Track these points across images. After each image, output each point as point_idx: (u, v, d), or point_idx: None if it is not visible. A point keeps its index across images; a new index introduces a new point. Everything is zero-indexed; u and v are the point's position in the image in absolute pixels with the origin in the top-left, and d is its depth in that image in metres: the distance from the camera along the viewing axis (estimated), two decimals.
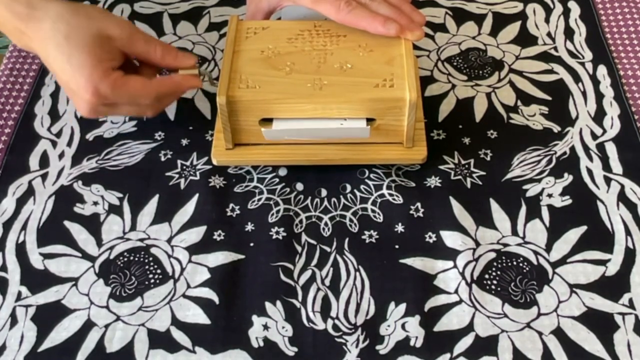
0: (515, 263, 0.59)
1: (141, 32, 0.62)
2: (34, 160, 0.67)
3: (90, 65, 0.57)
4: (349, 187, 0.64)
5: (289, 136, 0.61)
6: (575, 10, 0.79)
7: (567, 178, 0.64)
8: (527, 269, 0.58)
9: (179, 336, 0.55)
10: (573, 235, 0.60)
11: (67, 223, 0.62)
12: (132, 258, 0.60)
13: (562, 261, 0.59)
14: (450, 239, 0.60)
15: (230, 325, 0.56)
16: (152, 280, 0.59)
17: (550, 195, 0.63)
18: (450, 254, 0.59)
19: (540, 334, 0.55)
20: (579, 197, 0.63)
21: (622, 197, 0.63)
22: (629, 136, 0.67)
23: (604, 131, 0.68)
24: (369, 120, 0.60)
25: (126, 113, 0.65)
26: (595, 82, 0.72)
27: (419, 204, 0.62)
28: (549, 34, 0.77)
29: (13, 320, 0.57)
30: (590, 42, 0.76)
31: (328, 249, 0.60)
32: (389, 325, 0.56)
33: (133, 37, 0.60)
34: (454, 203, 0.62)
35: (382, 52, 0.61)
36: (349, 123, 0.59)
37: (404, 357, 0.54)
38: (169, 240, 0.61)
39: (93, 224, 0.62)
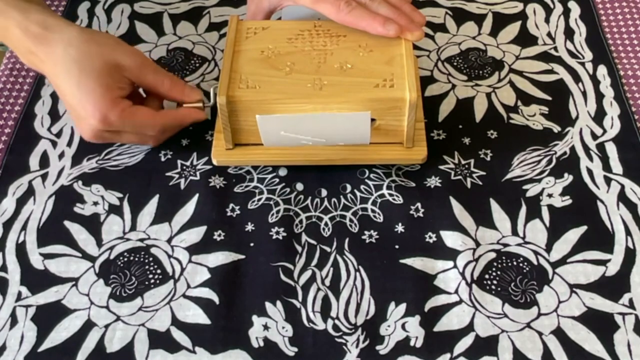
0: (515, 263, 0.59)
1: (151, 63, 0.63)
2: (34, 160, 0.67)
3: (99, 92, 0.58)
4: (349, 187, 0.64)
5: (286, 130, 0.59)
6: (575, 10, 0.79)
7: (567, 178, 0.64)
8: (527, 269, 0.58)
9: (179, 336, 0.56)
10: (573, 235, 0.60)
11: (67, 223, 0.62)
12: (132, 258, 0.60)
13: (562, 261, 0.59)
14: (451, 239, 0.60)
15: (230, 325, 0.56)
16: (152, 281, 0.59)
17: (550, 195, 0.63)
18: (451, 254, 0.59)
19: (540, 334, 0.55)
20: (579, 197, 0.63)
21: (622, 197, 0.63)
22: (629, 136, 0.67)
23: (604, 131, 0.68)
24: (370, 120, 0.60)
25: (128, 141, 0.66)
26: (595, 82, 0.72)
27: (419, 204, 0.62)
28: (549, 34, 0.77)
29: (13, 320, 0.57)
30: (590, 42, 0.76)
31: (328, 249, 0.60)
32: (389, 326, 0.56)
33: (143, 68, 0.61)
34: (454, 203, 0.62)
35: (382, 52, 0.61)
36: (350, 115, 0.58)
37: (404, 357, 0.54)
38: (169, 240, 0.61)
39: (93, 224, 0.62)
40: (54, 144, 0.68)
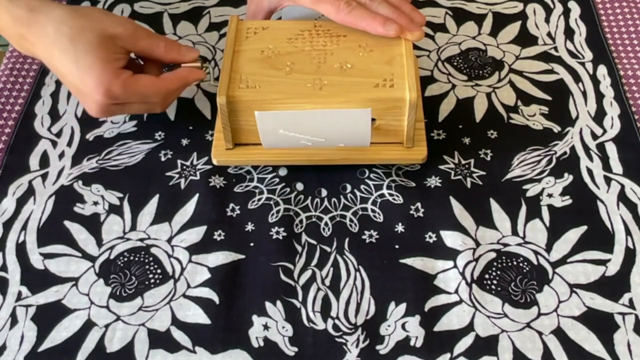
0: (515, 263, 0.59)
1: (143, 29, 0.62)
2: (34, 160, 0.67)
3: (99, 66, 0.58)
4: (349, 187, 0.64)
5: (285, 128, 0.59)
6: (575, 10, 0.79)
7: (567, 178, 0.64)
8: (527, 269, 0.58)
9: (179, 336, 0.56)
10: (573, 235, 0.60)
11: (67, 223, 0.62)
12: (132, 258, 0.60)
13: (562, 261, 0.59)
14: (451, 239, 0.60)
15: (230, 325, 0.56)
16: (152, 280, 0.59)
17: (550, 195, 0.63)
18: (451, 254, 0.59)
19: (540, 334, 0.55)
20: (579, 197, 0.63)
21: (622, 197, 0.63)
22: (629, 136, 0.67)
23: (604, 131, 0.68)
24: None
25: (136, 111, 0.65)
26: (595, 82, 0.72)
27: (419, 204, 0.62)
28: (549, 34, 0.77)
29: (13, 320, 0.57)
30: (590, 42, 0.76)
31: (328, 249, 0.60)
32: (389, 325, 0.56)
33: (136, 34, 0.61)
34: (454, 203, 0.62)
35: (382, 52, 0.61)
36: (351, 111, 0.58)
37: (404, 357, 0.54)
38: (169, 240, 0.61)
39: (93, 224, 0.62)
40: (54, 143, 0.68)
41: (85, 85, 0.58)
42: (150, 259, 0.60)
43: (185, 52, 0.63)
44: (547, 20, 0.78)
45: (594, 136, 0.67)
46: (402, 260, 0.59)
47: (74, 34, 0.58)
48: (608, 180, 0.64)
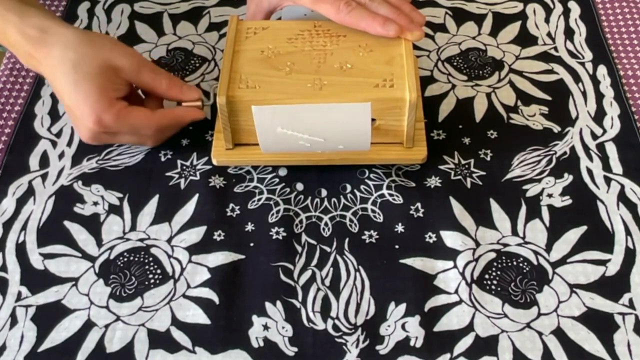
0: (515, 263, 0.59)
1: (149, 64, 0.63)
2: (34, 160, 0.67)
3: (95, 94, 0.59)
4: (349, 187, 0.64)
5: (283, 126, 0.58)
6: (575, 10, 0.79)
7: (567, 178, 0.64)
8: (527, 269, 0.58)
9: (179, 336, 0.56)
10: (573, 235, 0.60)
11: (67, 223, 0.62)
12: (132, 258, 0.60)
13: (562, 261, 0.59)
14: (450, 239, 0.60)
15: (230, 325, 0.56)
16: (152, 281, 0.59)
17: (550, 195, 0.63)
18: (450, 254, 0.59)
19: (540, 334, 0.55)
20: (579, 197, 0.63)
21: (622, 197, 0.63)
22: (629, 136, 0.67)
23: (604, 131, 0.68)
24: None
25: (127, 142, 0.66)
26: (595, 82, 0.72)
27: (419, 204, 0.62)
28: (549, 34, 0.77)
29: (13, 320, 0.57)
30: (590, 42, 0.76)
31: (328, 249, 0.60)
32: (389, 326, 0.56)
33: (140, 69, 0.62)
34: (454, 203, 0.62)
35: (382, 52, 0.61)
36: (350, 105, 0.56)
37: (404, 357, 0.54)
38: (169, 240, 0.61)
39: (93, 224, 0.62)
40: (54, 144, 0.68)
41: (79, 111, 0.59)
42: (150, 259, 0.60)
43: (187, 91, 0.64)
44: (547, 20, 0.78)
45: (594, 136, 0.67)
46: (402, 261, 0.59)
47: (78, 60, 0.59)
48: (608, 181, 0.64)
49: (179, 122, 0.65)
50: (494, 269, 0.58)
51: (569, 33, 0.77)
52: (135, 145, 0.67)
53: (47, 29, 0.60)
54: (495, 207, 0.62)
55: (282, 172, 0.65)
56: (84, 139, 0.62)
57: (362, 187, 0.64)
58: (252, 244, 0.60)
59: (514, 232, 0.61)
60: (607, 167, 0.65)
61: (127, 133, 0.62)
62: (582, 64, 0.74)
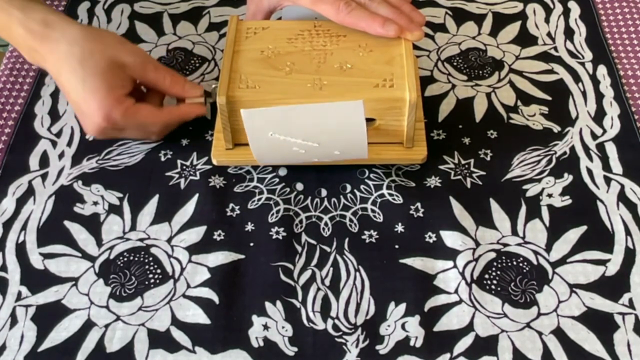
0: (515, 263, 0.59)
1: (153, 61, 0.64)
2: (34, 160, 0.67)
3: (103, 90, 0.59)
4: (349, 187, 0.64)
5: (275, 130, 0.56)
6: (575, 10, 0.79)
7: (567, 178, 0.64)
8: (527, 269, 0.58)
9: (179, 336, 0.56)
10: (573, 235, 0.60)
11: (67, 223, 0.62)
12: (132, 258, 0.60)
13: (562, 261, 0.59)
14: (450, 239, 0.60)
15: (230, 325, 0.56)
16: (152, 280, 0.59)
17: (550, 195, 0.63)
18: (450, 254, 0.59)
19: (540, 334, 0.55)
20: (579, 197, 0.63)
21: (622, 197, 0.63)
22: (629, 136, 0.67)
23: (604, 131, 0.68)
24: (369, 121, 0.60)
25: (132, 137, 0.67)
26: (595, 82, 0.72)
27: (419, 204, 0.62)
28: (549, 34, 0.77)
29: (13, 320, 0.57)
30: (590, 42, 0.76)
31: (328, 249, 0.60)
32: (389, 325, 0.56)
33: (145, 66, 0.62)
34: (454, 203, 0.62)
35: (382, 52, 0.61)
36: (342, 104, 0.55)
37: (404, 357, 0.54)
38: (169, 240, 0.61)
39: (93, 224, 0.62)
40: (54, 143, 0.68)
41: (87, 107, 0.60)
42: (150, 259, 0.60)
43: (190, 88, 0.65)
44: (547, 20, 0.78)
45: (594, 136, 0.67)
46: (402, 260, 0.59)
47: (85, 56, 0.59)
48: (608, 180, 0.64)
49: (184, 119, 0.66)
50: (493, 268, 0.58)
51: (569, 33, 0.77)
52: (140, 139, 0.67)
53: (51, 23, 0.60)
54: (495, 207, 0.62)
55: (282, 172, 0.65)
56: (90, 134, 0.63)
57: (362, 187, 0.64)
58: (252, 244, 0.60)
59: (514, 232, 0.61)
60: (607, 167, 0.65)
61: (134, 129, 0.64)
62: (582, 64, 0.74)
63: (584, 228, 0.61)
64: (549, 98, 0.71)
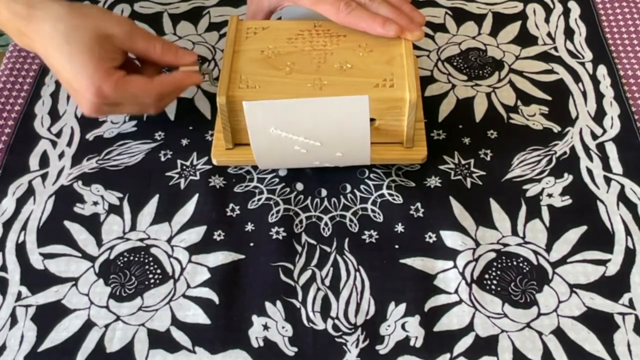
0: (515, 263, 0.59)
1: (141, 30, 0.62)
2: (34, 160, 0.67)
3: (92, 65, 0.58)
4: (349, 187, 0.64)
5: (277, 126, 0.56)
6: (575, 10, 0.79)
7: (567, 178, 0.64)
8: (527, 269, 0.58)
9: (179, 336, 0.56)
10: (573, 235, 0.60)
11: (67, 223, 0.62)
12: (132, 258, 0.60)
13: (562, 261, 0.59)
14: (450, 239, 0.60)
15: (230, 325, 0.56)
16: (152, 280, 0.59)
17: (550, 195, 0.63)
18: (450, 254, 0.59)
19: (540, 334, 0.55)
20: (579, 197, 0.63)
21: (622, 197, 0.63)
22: (629, 136, 0.67)
23: (604, 131, 0.68)
24: (370, 121, 0.59)
25: (129, 112, 0.65)
26: (595, 82, 0.72)
27: (419, 204, 0.62)
28: (549, 34, 0.77)
29: (13, 320, 0.57)
30: (590, 42, 0.76)
31: (328, 249, 0.60)
32: (389, 325, 0.56)
33: (133, 35, 0.60)
34: (454, 203, 0.62)
35: (382, 52, 0.61)
36: (346, 99, 0.55)
37: (404, 357, 0.54)
38: (169, 240, 0.61)
39: (93, 224, 0.62)
40: (54, 144, 0.68)
41: (78, 84, 0.58)
42: (150, 259, 0.60)
43: (183, 55, 0.63)
44: (547, 20, 0.78)
45: (594, 136, 0.67)
46: (402, 260, 0.59)
47: (70, 32, 0.58)
48: (608, 180, 0.64)
49: (179, 87, 0.64)
50: (494, 268, 0.58)
51: (569, 33, 0.77)
52: (138, 114, 0.66)
53: (35, 4, 0.58)
54: (495, 207, 0.62)
55: (282, 172, 0.65)
56: (86, 113, 0.61)
57: (362, 187, 0.64)
58: (252, 244, 0.60)
59: (514, 232, 0.61)
60: (607, 167, 0.65)
61: (128, 103, 0.61)
62: (582, 64, 0.74)
63: (584, 228, 0.61)
64: (549, 98, 0.71)
